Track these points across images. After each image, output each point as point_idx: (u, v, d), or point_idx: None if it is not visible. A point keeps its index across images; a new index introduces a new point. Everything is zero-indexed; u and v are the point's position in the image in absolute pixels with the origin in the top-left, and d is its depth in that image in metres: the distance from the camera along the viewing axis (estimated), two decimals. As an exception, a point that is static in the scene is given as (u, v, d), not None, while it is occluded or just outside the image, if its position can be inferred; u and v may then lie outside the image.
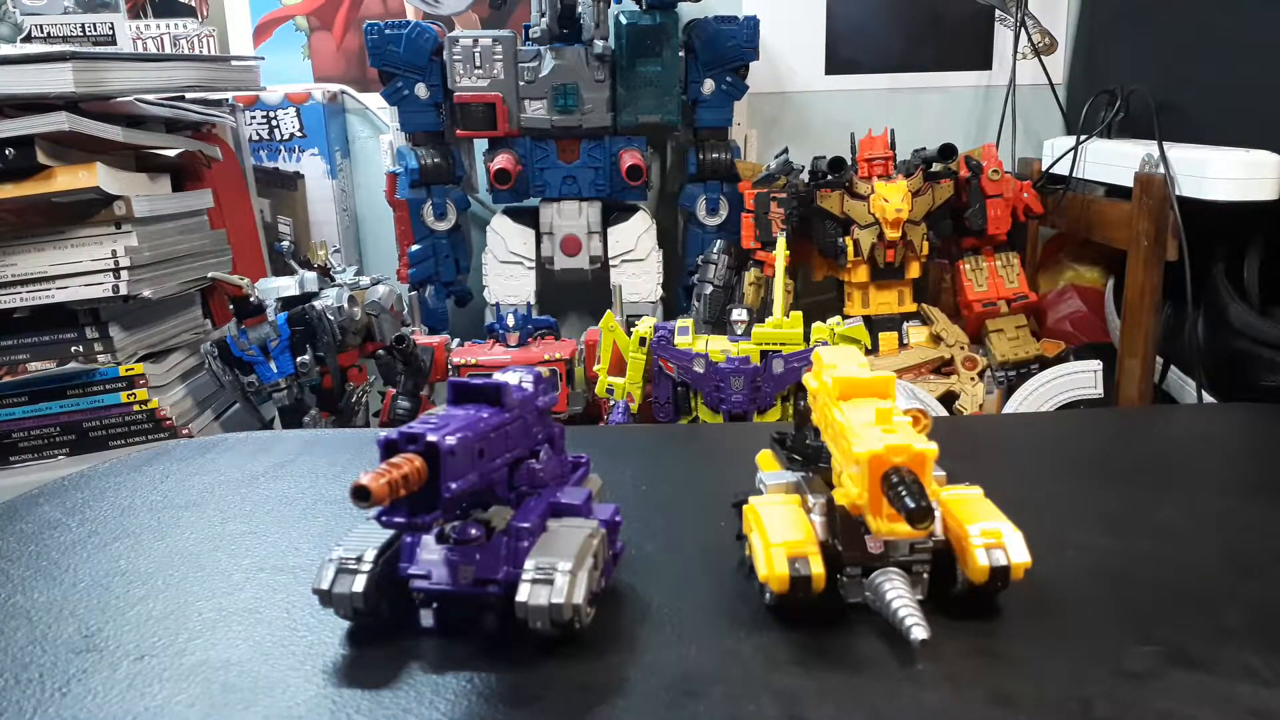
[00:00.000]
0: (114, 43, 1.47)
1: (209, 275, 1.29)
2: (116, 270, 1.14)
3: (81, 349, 1.17)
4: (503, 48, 1.38)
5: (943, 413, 1.19)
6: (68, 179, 1.09)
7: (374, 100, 1.62)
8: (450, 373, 1.25)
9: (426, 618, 0.33)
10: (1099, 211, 1.31)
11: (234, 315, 1.20)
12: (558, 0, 1.34)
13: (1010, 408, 1.23)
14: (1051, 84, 1.60)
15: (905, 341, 1.32)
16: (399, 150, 1.49)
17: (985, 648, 0.32)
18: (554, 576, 0.31)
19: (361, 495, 0.27)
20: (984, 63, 1.66)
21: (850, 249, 1.30)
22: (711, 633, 0.34)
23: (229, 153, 1.44)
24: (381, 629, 0.34)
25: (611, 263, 1.49)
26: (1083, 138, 1.35)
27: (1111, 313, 1.38)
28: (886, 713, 0.29)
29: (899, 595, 0.32)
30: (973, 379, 1.26)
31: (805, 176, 1.36)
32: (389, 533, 0.33)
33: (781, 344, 1.03)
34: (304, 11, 1.66)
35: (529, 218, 1.49)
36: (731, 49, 1.42)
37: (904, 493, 0.30)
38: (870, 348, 1.19)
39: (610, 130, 1.43)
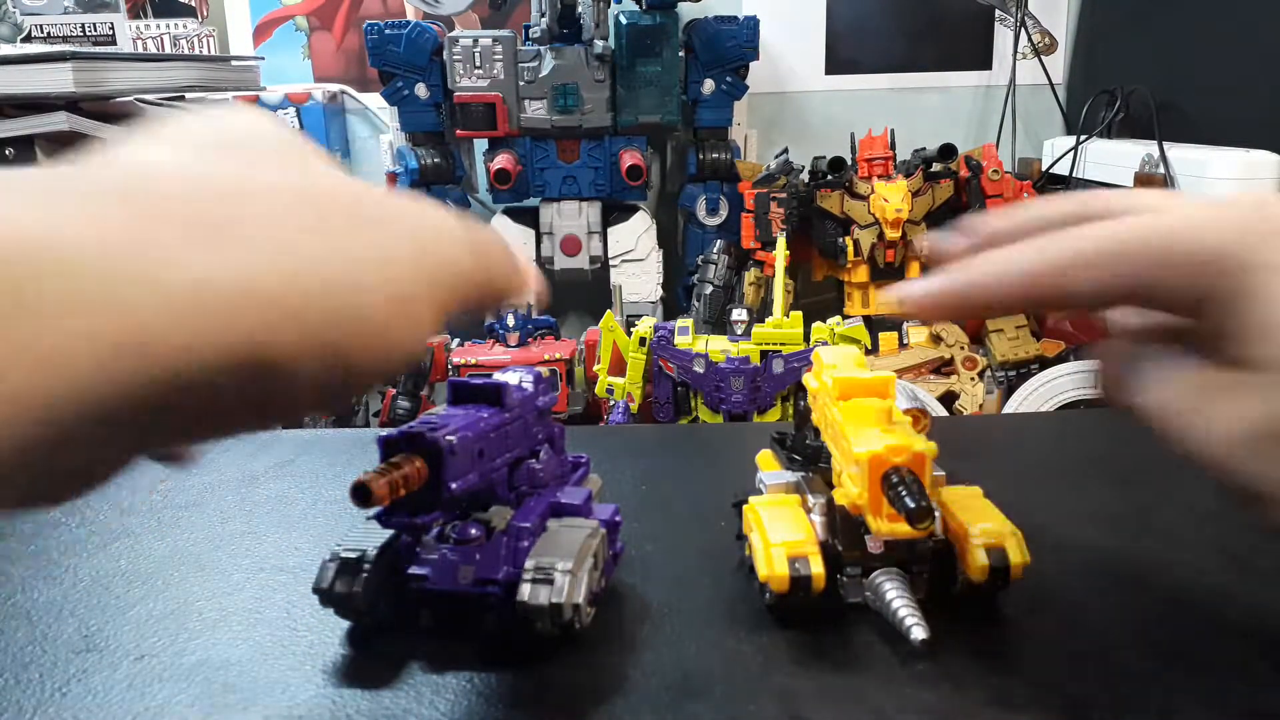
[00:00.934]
0: (114, 43, 1.47)
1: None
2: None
3: (81, 349, 1.17)
4: (503, 48, 1.38)
5: (943, 413, 1.19)
6: (68, 179, 1.09)
7: (374, 100, 1.62)
8: (450, 373, 1.25)
9: (426, 618, 0.33)
10: (1099, 211, 1.31)
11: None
12: (558, 0, 1.34)
13: (1010, 408, 1.23)
14: (1051, 84, 1.60)
15: (905, 341, 1.32)
16: (399, 150, 1.49)
17: (985, 648, 0.32)
18: (554, 576, 0.31)
19: (361, 494, 0.27)
20: (984, 63, 1.66)
21: (850, 249, 1.30)
22: (711, 633, 0.34)
23: (229, 153, 1.44)
24: (381, 629, 0.34)
25: (611, 263, 1.49)
26: (1083, 138, 1.35)
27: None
28: (886, 713, 0.29)
29: (899, 595, 0.32)
30: (973, 379, 1.27)
31: (805, 176, 1.37)
32: (389, 532, 0.33)
33: (781, 344, 1.03)
34: (304, 11, 1.66)
35: (529, 218, 1.49)
36: (731, 49, 1.42)
37: (904, 492, 0.30)
38: (870, 348, 1.19)
39: (610, 130, 1.43)
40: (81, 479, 0.19)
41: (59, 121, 1.05)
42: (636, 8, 1.40)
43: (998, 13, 1.63)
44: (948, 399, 1.25)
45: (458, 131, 1.45)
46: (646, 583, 0.37)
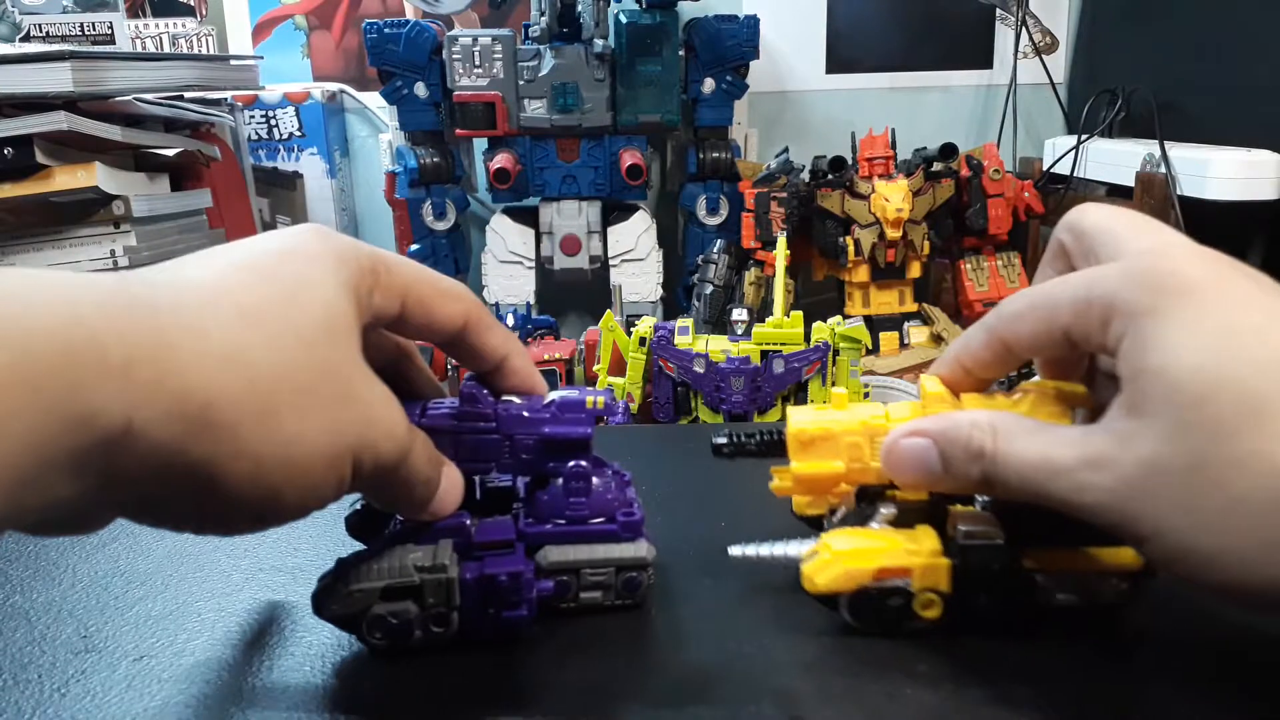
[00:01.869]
0: (113, 42, 1.47)
1: (208, 275, 1.28)
2: (115, 270, 1.14)
3: (81, 348, 1.17)
4: (502, 47, 1.38)
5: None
6: (66, 179, 1.09)
7: (373, 100, 1.62)
8: (449, 373, 1.25)
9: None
10: (1099, 211, 1.31)
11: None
12: (557, 0, 1.34)
13: (1010, 407, 1.23)
14: (1052, 83, 1.60)
15: (906, 341, 1.32)
16: (398, 150, 1.49)
17: (985, 648, 0.32)
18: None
19: None
20: (985, 62, 1.66)
21: (851, 249, 1.30)
22: (711, 633, 0.33)
23: (228, 152, 1.44)
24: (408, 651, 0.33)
25: (611, 263, 1.49)
26: (1084, 137, 1.35)
27: (1112, 312, 1.37)
28: (887, 713, 0.29)
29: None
30: (973, 379, 1.26)
31: (805, 176, 1.36)
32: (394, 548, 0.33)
33: (781, 344, 1.03)
34: (303, 11, 1.66)
35: (529, 217, 1.49)
36: (731, 48, 1.42)
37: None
38: (871, 348, 1.19)
39: (610, 130, 1.43)
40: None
41: (58, 121, 1.05)
42: (636, 7, 1.39)
43: (998, 12, 1.62)
44: (948, 399, 1.25)
45: (457, 131, 1.45)
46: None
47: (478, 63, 1.39)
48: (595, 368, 1.14)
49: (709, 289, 1.37)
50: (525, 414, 0.33)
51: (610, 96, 1.40)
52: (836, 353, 1.05)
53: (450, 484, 0.32)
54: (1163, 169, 1.14)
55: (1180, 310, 0.26)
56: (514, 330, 1.26)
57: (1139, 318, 0.27)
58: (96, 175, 1.10)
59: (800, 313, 1.05)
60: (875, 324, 1.30)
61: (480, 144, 1.51)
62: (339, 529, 0.35)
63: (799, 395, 1.02)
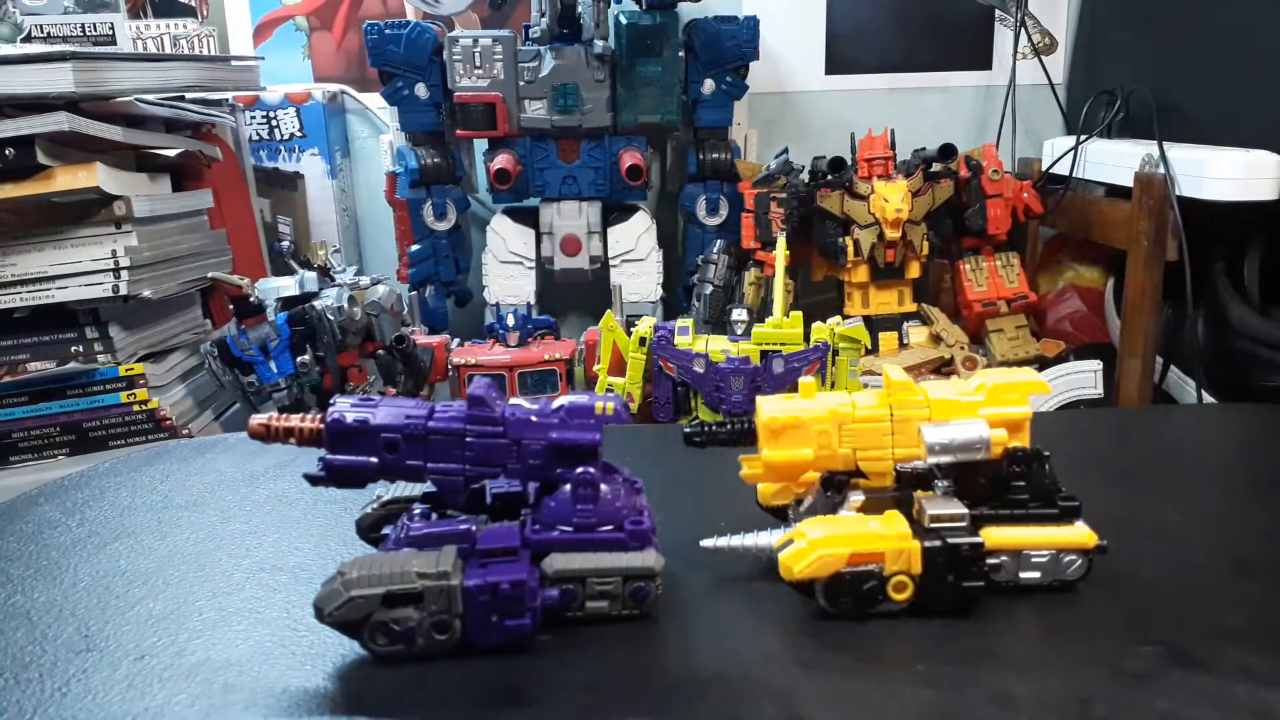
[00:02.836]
0: (114, 43, 1.47)
1: (209, 275, 1.29)
2: (116, 270, 1.14)
3: (81, 349, 1.17)
4: (503, 48, 1.38)
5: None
6: (67, 179, 1.09)
7: (374, 100, 1.62)
8: (450, 373, 1.25)
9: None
10: (1099, 211, 1.31)
11: (234, 315, 1.19)
12: (558, 0, 1.34)
13: (1010, 408, 1.23)
14: (1051, 84, 1.60)
15: (905, 341, 1.32)
16: (399, 150, 1.49)
17: (985, 648, 0.32)
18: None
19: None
20: (984, 63, 1.66)
21: (850, 249, 1.30)
22: (712, 633, 0.34)
23: (229, 153, 1.44)
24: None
25: (611, 263, 1.49)
26: (1083, 138, 1.35)
27: (1111, 313, 1.38)
28: (887, 713, 0.29)
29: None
30: (973, 379, 1.26)
31: (805, 176, 1.36)
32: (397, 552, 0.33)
33: (781, 344, 1.03)
34: (304, 11, 1.66)
35: (529, 218, 1.49)
36: (731, 49, 1.42)
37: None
38: (870, 348, 1.19)
39: (610, 130, 1.43)
40: None
41: (59, 121, 1.05)
42: (636, 8, 1.39)
43: (998, 13, 1.62)
44: (948, 399, 1.25)
45: (458, 131, 1.45)
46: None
47: (478, 63, 1.39)
48: (595, 368, 1.15)
49: (709, 289, 1.37)
50: (533, 419, 0.33)
51: (610, 97, 1.40)
52: (836, 353, 1.05)
53: None
54: (1161, 169, 1.14)
55: None
56: (514, 330, 1.26)
57: None
58: (98, 176, 1.10)
59: (800, 313, 1.05)
60: (874, 324, 1.30)
61: (480, 144, 1.51)
62: (340, 528, 0.35)
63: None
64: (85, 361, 1.17)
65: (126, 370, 1.18)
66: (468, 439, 0.33)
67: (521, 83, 1.39)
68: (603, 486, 0.34)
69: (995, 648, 0.32)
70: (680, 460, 0.52)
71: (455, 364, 1.23)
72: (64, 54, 1.04)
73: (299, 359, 1.16)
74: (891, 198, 1.25)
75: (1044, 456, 0.34)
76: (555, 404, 0.34)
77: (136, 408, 1.19)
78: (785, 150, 1.42)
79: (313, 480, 0.34)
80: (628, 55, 1.39)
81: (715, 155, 1.46)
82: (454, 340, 1.30)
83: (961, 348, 1.29)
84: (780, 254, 1.17)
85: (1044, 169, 1.44)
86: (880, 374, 0.35)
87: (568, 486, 0.33)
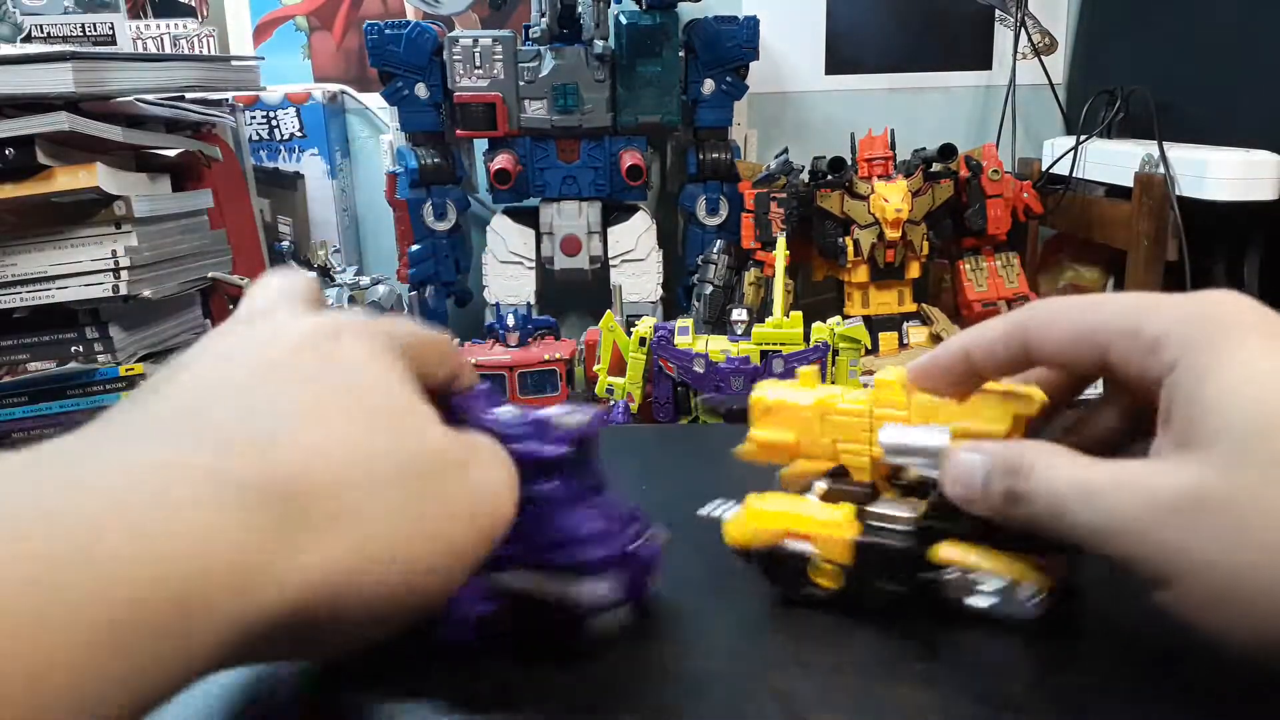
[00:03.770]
0: (114, 43, 1.47)
1: (209, 275, 1.29)
2: (116, 270, 1.14)
3: (81, 349, 1.17)
4: (503, 48, 1.38)
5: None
6: (68, 179, 1.09)
7: (374, 100, 1.62)
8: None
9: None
10: (1099, 211, 1.31)
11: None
12: (558, 0, 1.34)
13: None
14: (1051, 84, 1.60)
15: (905, 341, 1.32)
16: (399, 150, 1.49)
17: (986, 647, 0.32)
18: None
19: None
20: (984, 63, 1.66)
21: (850, 249, 1.30)
22: (712, 633, 0.34)
23: (229, 153, 1.44)
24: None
25: (611, 263, 1.49)
26: (1083, 138, 1.35)
27: (1111, 313, 1.37)
28: (887, 713, 0.29)
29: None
30: (973, 379, 1.26)
31: (805, 176, 1.37)
32: None
33: (781, 344, 1.03)
34: (304, 11, 1.67)
35: (529, 218, 1.49)
36: (731, 49, 1.42)
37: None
38: (870, 348, 1.19)
39: (610, 130, 1.43)
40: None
41: (59, 121, 1.05)
42: (636, 8, 1.40)
43: (997, 13, 1.63)
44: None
45: (458, 131, 1.45)
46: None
47: (478, 64, 1.39)
48: (595, 368, 1.15)
49: (709, 289, 1.38)
50: (498, 431, 0.31)
51: (610, 97, 1.40)
52: (836, 353, 1.05)
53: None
54: (1161, 169, 1.14)
55: (1240, 346, 0.26)
56: (514, 330, 1.26)
57: (1195, 350, 0.26)
58: (98, 176, 1.10)
59: (800, 313, 1.05)
60: (874, 324, 1.30)
61: (481, 144, 1.51)
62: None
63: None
64: (85, 361, 1.17)
65: (127, 370, 1.18)
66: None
67: (521, 83, 1.39)
68: (568, 507, 0.32)
69: (997, 648, 0.32)
70: (680, 460, 0.52)
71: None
72: (64, 54, 1.04)
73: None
74: (891, 198, 1.25)
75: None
76: (535, 414, 0.32)
77: (137, 408, 1.19)
78: (785, 150, 1.42)
79: None
80: (628, 55, 1.39)
81: (715, 155, 1.46)
82: (454, 340, 1.30)
83: (961, 348, 1.29)
84: (780, 254, 1.17)
85: (1044, 169, 1.45)
86: (876, 373, 0.36)
87: (529, 502, 0.32)
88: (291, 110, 1.59)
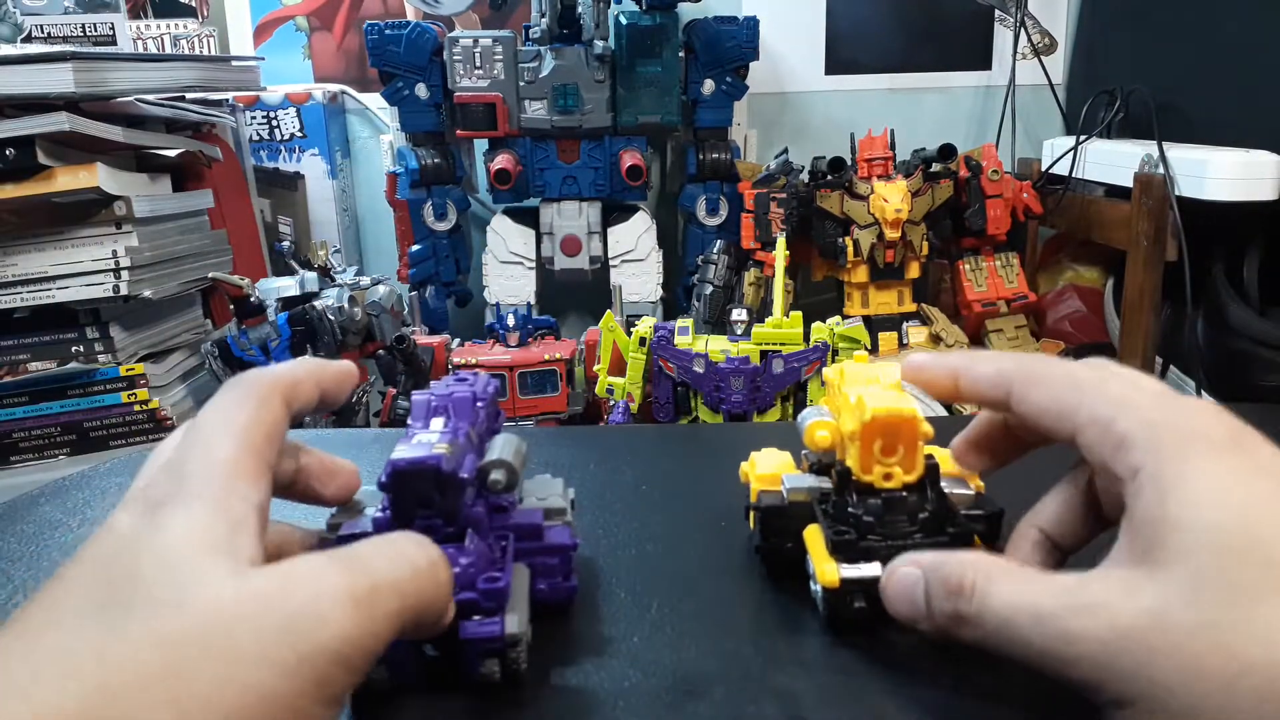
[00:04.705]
0: (114, 43, 1.47)
1: (209, 275, 1.29)
2: (117, 270, 1.14)
3: (82, 349, 1.17)
4: (503, 48, 1.38)
5: (942, 413, 1.19)
6: (68, 179, 1.09)
7: (374, 100, 1.62)
8: (450, 373, 1.25)
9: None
10: (1098, 211, 1.31)
11: (234, 315, 1.19)
12: (558, 0, 1.34)
13: (1010, 408, 1.23)
14: (1051, 84, 1.60)
15: (905, 341, 1.32)
16: (399, 150, 1.49)
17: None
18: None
19: None
20: (984, 63, 1.66)
21: (850, 249, 1.30)
22: (711, 633, 0.34)
23: (229, 153, 1.44)
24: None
25: (611, 263, 1.49)
26: (1082, 138, 1.35)
27: (1111, 313, 1.38)
28: (887, 713, 0.29)
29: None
30: (972, 379, 1.26)
31: (805, 176, 1.37)
32: None
33: (781, 344, 1.03)
34: (304, 11, 1.67)
35: (529, 218, 1.49)
36: (731, 49, 1.42)
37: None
38: (870, 348, 1.19)
39: (610, 130, 1.43)
40: None
41: (59, 121, 1.05)
42: (636, 8, 1.40)
43: (997, 13, 1.63)
44: (947, 399, 1.25)
45: (458, 131, 1.45)
46: (647, 583, 0.37)
47: (478, 64, 1.39)
48: (595, 368, 1.15)
49: (709, 289, 1.37)
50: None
51: (610, 97, 1.40)
52: (835, 353, 1.05)
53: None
54: (1161, 169, 1.14)
55: (1207, 461, 0.25)
56: (514, 330, 1.26)
57: (1162, 459, 0.25)
58: (98, 176, 1.10)
59: (799, 313, 1.05)
60: (874, 324, 1.30)
61: (481, 145, 1.51)
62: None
63: (798, 395, 1.02)
64: (86, 361, 1.17)
65: (127, 370, 1.18)
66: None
67: (521, 83, 1.39)
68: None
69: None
70: (680, 460, 0.52)
71: (456, 364, 1.23)
72: (64, 54, 1.04)
73: (299, 359, 1.16)
74: (891, 198, 1.25)
75: (931, 469, 0.33)
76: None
77: (137, 408, 1.19)
78: (785, 150, 1.42)
79: None
80: (628, 55, 1.39)
81: (715, 155, 1.46)
82: (454, 340, 1.30)
83: (961, 348, 1.29)
84: (780, 254, 1.17)
85: (1044, 169, 1.45)
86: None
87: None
88: (292, 110, 1.59)
